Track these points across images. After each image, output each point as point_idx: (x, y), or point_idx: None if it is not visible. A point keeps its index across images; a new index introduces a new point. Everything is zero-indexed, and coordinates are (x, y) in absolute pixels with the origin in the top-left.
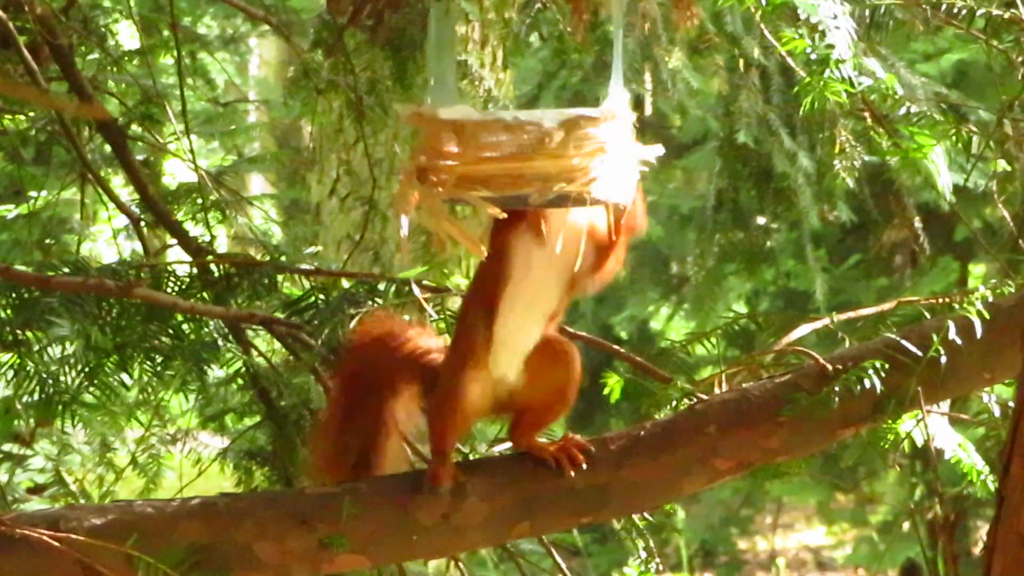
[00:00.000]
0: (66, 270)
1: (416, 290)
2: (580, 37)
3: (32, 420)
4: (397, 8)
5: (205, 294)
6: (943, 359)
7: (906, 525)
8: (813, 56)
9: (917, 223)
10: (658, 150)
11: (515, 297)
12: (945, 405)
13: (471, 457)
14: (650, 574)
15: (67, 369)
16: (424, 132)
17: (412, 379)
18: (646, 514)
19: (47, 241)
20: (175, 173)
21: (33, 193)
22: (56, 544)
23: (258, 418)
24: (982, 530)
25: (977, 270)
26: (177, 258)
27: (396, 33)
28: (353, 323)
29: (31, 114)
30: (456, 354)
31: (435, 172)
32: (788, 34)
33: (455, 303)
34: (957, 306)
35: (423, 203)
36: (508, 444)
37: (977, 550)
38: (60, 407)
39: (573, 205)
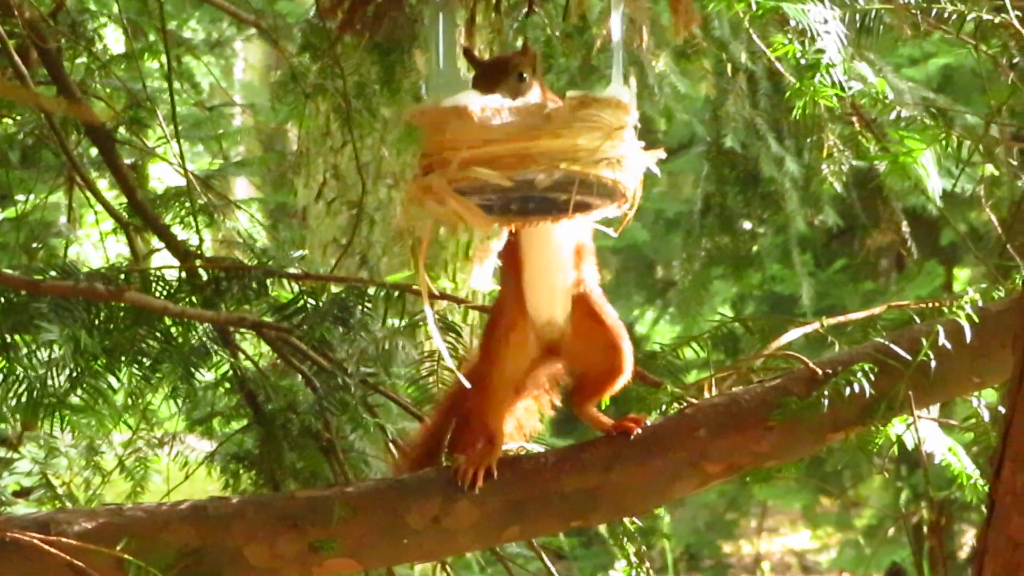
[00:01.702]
0: (54, 274)
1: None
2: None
3: (19, 423)
4: (393, 13)
5: (194, 298)
6: (932, 363)
7: (891, 530)
8: (803, 62)
9: (904, 227)
10: (659, 154)
11: (532, 239)
12: (935, 410)
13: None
14: None
15: (55, 372)
16: (429, 128)
17: None
18: (634, 518)
19: (34, 245)
20: (162, 177)
21: (20, 196)
22: (47, 548)
23: (245, 422)
24: (967, 534)
25: (963, 274)
26: (165, 262)
27: (384, 37)
28: None
29: (18, 117)
30: (491, 324)
31: (441, 163)
32: (779, 40)
33: (443, 305)
34: (946, 310)
35: (429, 193)
36: None
37: (963, 554)
38: (47, 410)
39: (580, 189)
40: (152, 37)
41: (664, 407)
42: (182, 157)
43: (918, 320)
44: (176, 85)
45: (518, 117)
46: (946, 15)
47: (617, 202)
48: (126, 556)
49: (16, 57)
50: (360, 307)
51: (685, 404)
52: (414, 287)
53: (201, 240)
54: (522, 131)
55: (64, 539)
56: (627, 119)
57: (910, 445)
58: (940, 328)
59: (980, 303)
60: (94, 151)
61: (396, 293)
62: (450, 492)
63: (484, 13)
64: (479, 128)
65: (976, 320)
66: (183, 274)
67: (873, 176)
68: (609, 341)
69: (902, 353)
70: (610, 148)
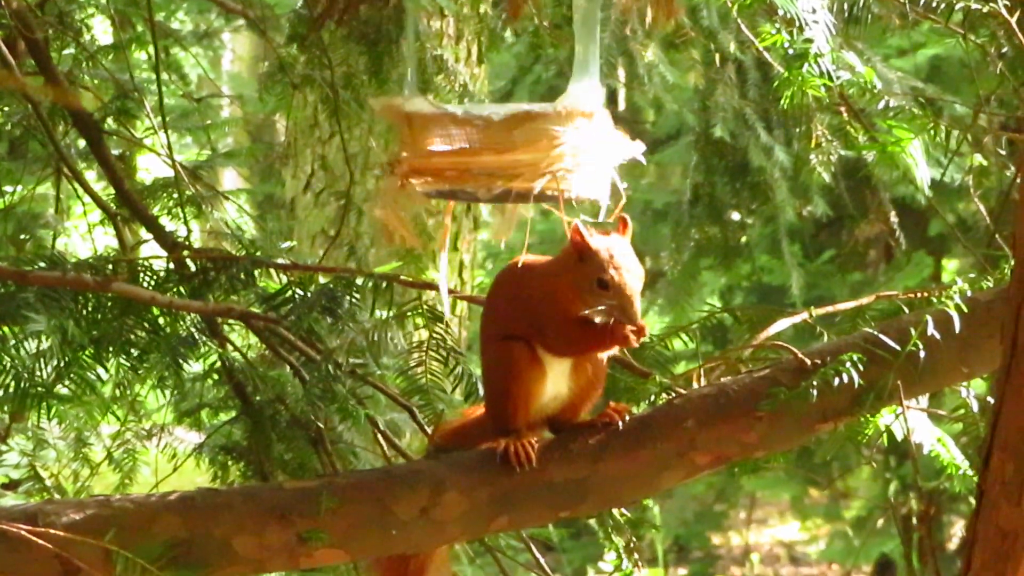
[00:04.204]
0: (42, 264)
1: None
2: (511, 24)
3: (7, 415)
4: (372, 2)
5: (181, 288)
6: (921, 353)
7: (880, 521)
8: (791, 51)
9: (892, 218)
10: (639, 147)
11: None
12: (924, 400)
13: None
14: (627, 571)
15: (42, 363)
16: (395, 124)
17: None
18: (624, 509)
19: (22, 236)
20: (150, 168)
21: (8, 188)
22: (34, 539)
23: (234, 413)
24: (956, 525)
25: (951, 265)
26: (153, 253)
27: (371, 27)
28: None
29: (6, 108)
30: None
31: (397, 164)
32: (767, 29)
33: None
34: (935, 300)
35: (383, 192)
36: None
37: (951, 545)
38: (34, 400)
39: (516, 201)
40: (140, 28)
41: (652, 397)
42: (170, 148)
43: (907, 310)
44: (164, 76)
45: (461, 131)
46: (934, 4)
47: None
48: (114, 547)
49: (3, 47)
50: (348, 297)
51: (673, 394)
52: (402, 277)
53: (189, 231)
54: (462, 146)
55: (52, 530)
56: (585, 124)
57: (899, 435)
58: (929, 318)
59: (969, 293)
60: (82, 142)
61: (384, 283)
62: (438, 483)
63: (472, 4)
64: (424, 139)
65: (965, 310)
66: (171, 264)
67: (861, 166)
68: (595, 377)
69: (891, 343)
70: (555, 161)
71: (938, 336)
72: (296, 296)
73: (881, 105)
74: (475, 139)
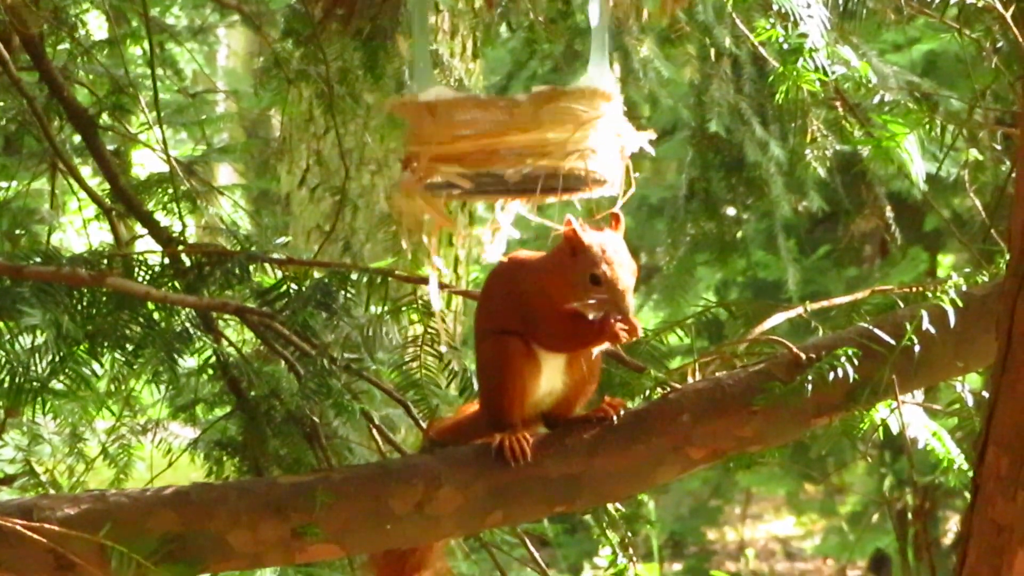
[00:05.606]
0: (38, 260)
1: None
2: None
3: (2, 410)
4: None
5: (176, 283)
6: (916, 348)
7: (875, 516)
8: (787, 46)
9: (888, 213)
10: (649, 135)
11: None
12: (919, 394)
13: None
14: (622, 566)
15: (38, 358)
16: (409, 119)
17: None
18: (618, 504)
19: (17, 232)
20: (145, 163)
21: (3, 183)
22: (29, 534)
23: (229, 408)
24: (951, 520)
25: (946, 260)
26: (148, 248)
27: (367, 22)
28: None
29: (1, 104)
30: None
31: (416, 156)
32: (762, 24)
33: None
34: (931, 295)
35: (403, 187)
36: None
37: (946, 540)
38: (30, 395)
39: (548, 183)
40: (135, 23)
41: (648, 392)
42: (165, 143)
43: (902, 305)
44: (159, 71)
45: (486, 113)
46: None
47: (594, 188)
48: (109, 542)
49: None
50: (343, 292)
51: (668, 389)
52: (397, 272)
53: (184, 226)
54: (489, 128)
55: (47, 525)
56: (605, 106)
57: (894, 430)
58: (924, 313)
59: (964, 288)
60: (77, 138)
61: (379, 279)
62: (433, 478)
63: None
64: (448, 124)
65: (960, 305)
66: (166, 259)
67: (857, 161)
68: (589, 372)
69: (886, 338)
70: (582, 140)
71: (933, 331)
72: (291, 291)
73: (876, 100)
74: (501, 120)
